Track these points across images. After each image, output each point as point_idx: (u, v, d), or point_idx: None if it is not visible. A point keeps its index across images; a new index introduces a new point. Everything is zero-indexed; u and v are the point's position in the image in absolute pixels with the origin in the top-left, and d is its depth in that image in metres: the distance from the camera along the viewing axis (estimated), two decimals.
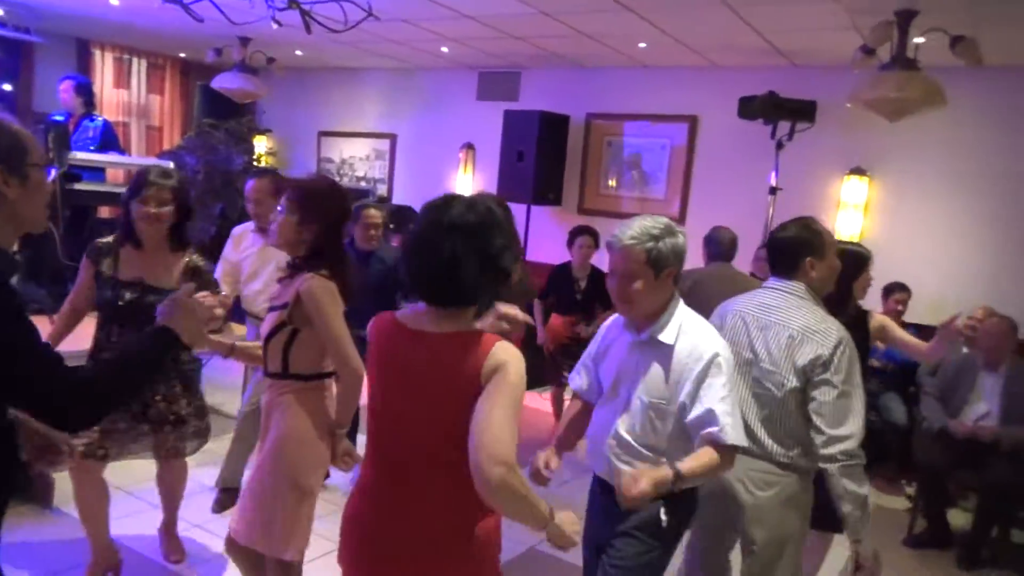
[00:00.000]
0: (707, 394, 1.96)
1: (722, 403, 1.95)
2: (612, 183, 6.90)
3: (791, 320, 2.30)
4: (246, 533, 2.37)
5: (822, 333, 2.24)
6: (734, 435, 1.95)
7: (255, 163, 8.15)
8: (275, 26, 4.78)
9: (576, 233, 5.08)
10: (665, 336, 2.03)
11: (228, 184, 7.46)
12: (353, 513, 1.78)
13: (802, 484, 2.34)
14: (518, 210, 6.83)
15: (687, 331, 2.04)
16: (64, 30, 7.38)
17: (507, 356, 1.59)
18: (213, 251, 3.88)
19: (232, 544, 2.46)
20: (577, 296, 5.03)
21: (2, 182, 1.45)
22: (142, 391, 1.53)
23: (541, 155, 6.52)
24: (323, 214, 2.32)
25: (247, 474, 2.96)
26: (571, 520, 1.66)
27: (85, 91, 5.81)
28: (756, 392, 2.33)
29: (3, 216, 1.47)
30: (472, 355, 1.58)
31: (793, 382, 2.24)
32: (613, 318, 2.29)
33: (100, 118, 5.89)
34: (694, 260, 3.97)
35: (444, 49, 6.68)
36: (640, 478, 1.86)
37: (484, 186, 7.41)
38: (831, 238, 2.44)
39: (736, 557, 2.49)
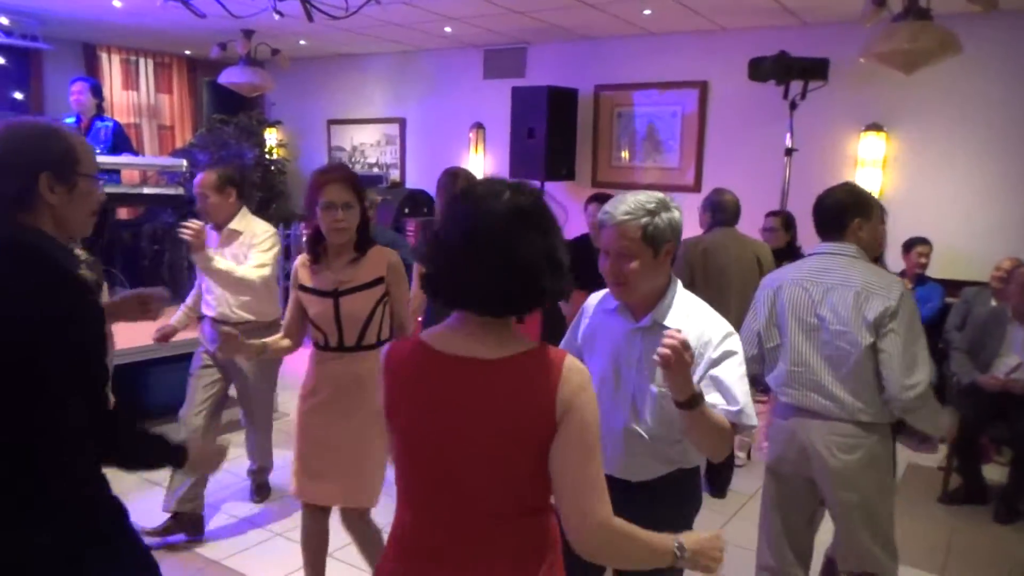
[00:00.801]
0: (725, 377, 1.84)
1: (741, 382, 1.85)
2: (624, 155, 6.84)
3: (851, 278, 2.35)
4: (354, 497, 2.59)
5: (885, 287, 2.32)
6: (754, 416, 1.88)
7: (267, 156, 8.19)
8: (277, 17, 4.76)
9: (588, 201, 5.05)
10: (671, 321, 1.88)
11: (241, 179, 7.48)
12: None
13: (884, 443, 2.38)
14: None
15: (692, 315, 1.90)
16: (70, 35, 7.41)
17: (581, 380, 1.34)
18: None
19: (330, 512, 2.68)
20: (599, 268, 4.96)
21: (48, 188, 1.48)
22: (135, 466, 1.72)
23: (552, 131, 6.48)
24: (360, 198, 2.52)
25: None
26: (706, 538, 1.46)
27: (98, 93, 5.84)
28: (828, 355, 2.36)
29: (51, 220, 1.51)
30: (542, 382, 1.32)
31: (867, 338, 2.29)
32: (592, 299, 2.10)
33: (110, 120, 5.92)
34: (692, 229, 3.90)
35: (447, 29, 6.63)
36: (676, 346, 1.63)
37: (496, 166, 7.38)
38: (876, 200, 2.54)
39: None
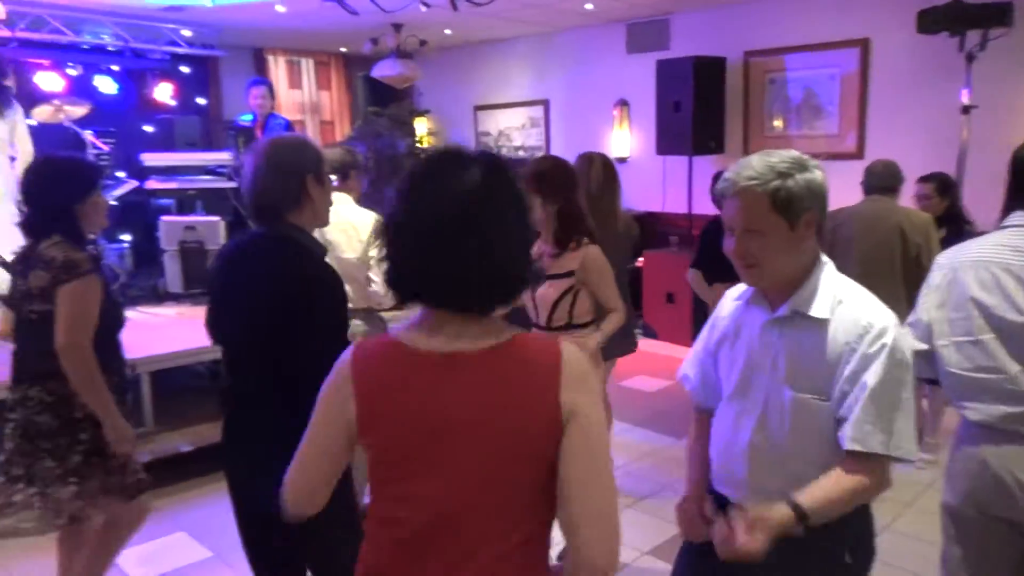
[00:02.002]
0: (879, 384, 1.44)
1: (898, 394, 1.45)
2: (778, 123, 6.50)
3: None
4: None
5: None
6: (913, 446, 1.47)
7: (417, 145, 8.52)
8: (423, 8, 4.93)
9: (716, 178, 4.81)
10: (816, 309, 1.52)
11: (395, 169, 7.85)
12: None
13: None
14: (679, 163, 6.65)
15: (845, 300, 1.53)
16: (241, 42, 8.03)
17: (582, 372, 1.17)
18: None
19: None
20: None
21: (313, 186, 1.91)
22: None
23: (699, 103, 6.28)
24: (557, 189, 2.70)
25: None
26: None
27: (273, 93, 6.33)
28: None
29: (310, 213, 1.94)
30: (540, 374, 1.15)
31: None
32: (729, 293, 1.77)
33: (282, 118, 6.39)
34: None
35: (588, 6, 6.57)
36: (755, 523, 1.38)
37: (642, 142, 7.27)
38: None
39: None
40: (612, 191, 3.60)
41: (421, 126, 8.84)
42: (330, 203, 2.02)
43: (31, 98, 6.32)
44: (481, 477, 1.15)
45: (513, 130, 8.60)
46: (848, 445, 1.46)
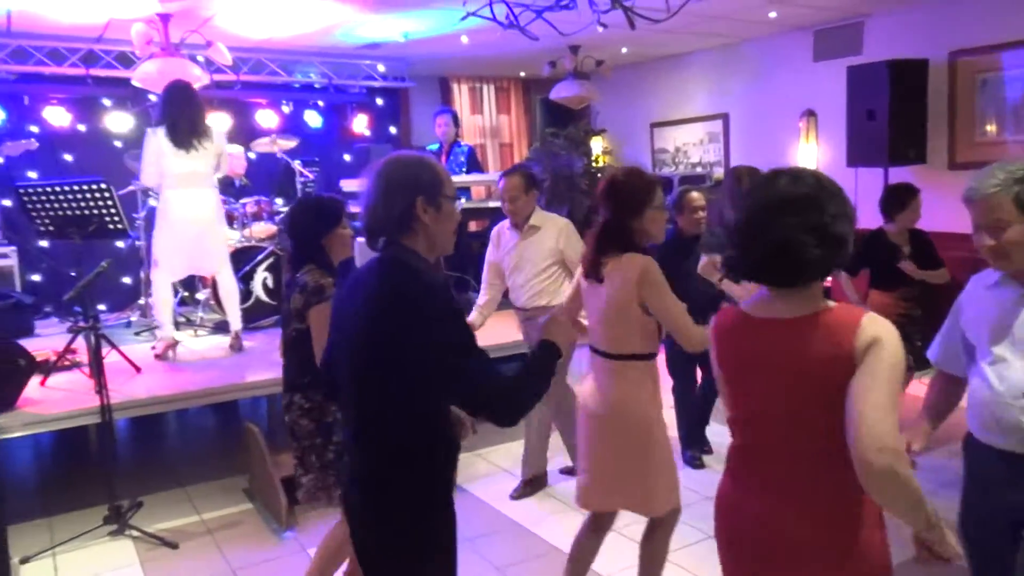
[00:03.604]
0: None
1: None
2: (991, 128, 5.87)
3: None
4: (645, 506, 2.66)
5: None
6: None
7: (593, 164, 8.60)
8: (600, 29, 4.99)
9: (889, 191, 4.48)
10: None
11: (571, 187, 7.98)
12: (724, 526, 1.74)
13: None
14: (873, 175, 6.19)
15: None
16: (429, 72, 8.54)
17: (880, 330, 1.48)
18: None
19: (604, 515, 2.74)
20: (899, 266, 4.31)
21: (422, 210, 1.76)
22: (533, 395, 1.81)
23: (895, 110, 5.82)
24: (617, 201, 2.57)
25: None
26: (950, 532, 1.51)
27: (457, 122, 6.70)
28: None
29: (423, 239, 1.79)
30: (839, 334, 1.49)
31: None
32: (981, 279, 2.06)
33: (465, 145, 6.72)
34: None
35: (772, 14, 6.33)
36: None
37: (831, 154, 6.86)
38: None
39: None
40: None
41: (597, 145, 8.91)
42: (453, 229, 1.86)
43: (252, 133, 7.12)
44: (795, 402, 1.54)
45: (690, 146, 8.43)
46: None
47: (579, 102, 7.43)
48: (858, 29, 6.62)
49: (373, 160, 6.83)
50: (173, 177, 4.67)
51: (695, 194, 4.13)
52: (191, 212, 4.72)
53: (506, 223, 3.94)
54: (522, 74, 9.20)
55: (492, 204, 6.85)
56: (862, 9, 6.30)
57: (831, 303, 1.58)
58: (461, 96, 9.05)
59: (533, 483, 4.04)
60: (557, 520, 3.71)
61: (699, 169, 8.23)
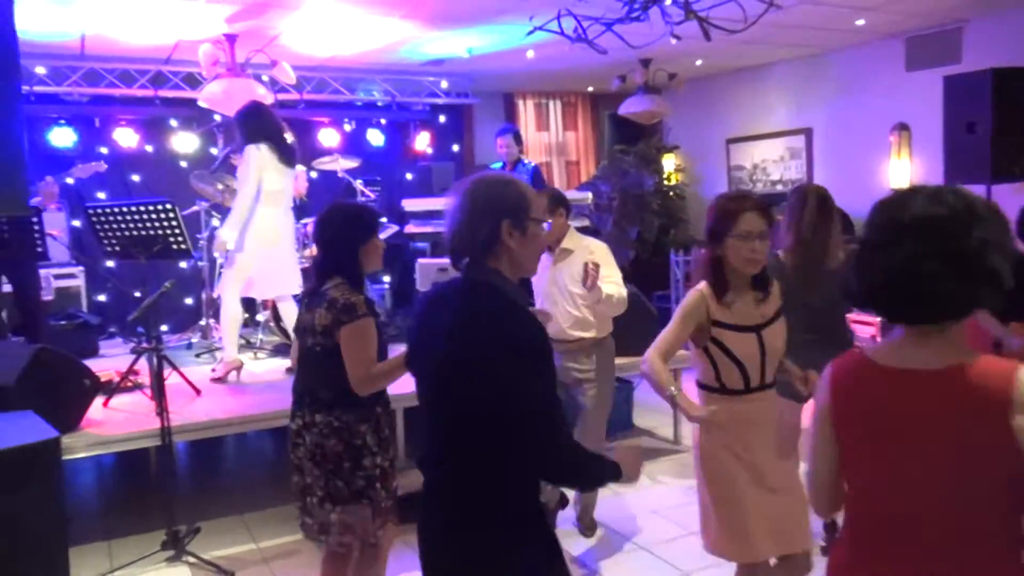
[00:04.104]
0: None
1: None
2: None
3: None
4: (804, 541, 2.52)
5: None
6: None
7: (664, 182, 8.26)
8: (673, 41, 4.72)
9: None
10: None
11: (642, 207, 7.65)
12: None
13: None
14: (973, 191, 5.68)
15: None
16: (493, 88, 8.38)
17: None
18: (634, 278, 3.89)
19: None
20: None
21: (507, 233, 1.69)
22: (576, 484, 1.92)
23: (999, 122, 5.33)
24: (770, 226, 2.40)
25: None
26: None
27: (519, 140, 6.48)
28: None
29: (507, 262, 1.73)
30: (990, 390, 1.28)
31: None
32: None
33: (531, 163, 6.50)
34: None
35: (859, 22, 5.94)
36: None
37: (925, 171, 6.37)
38: None
39: None
40: (826, 229, 3.22)
41: (669, 162, 8.57)
42: (538, 252, 1.81)
43: (314, 152, 7.08)
44: (943, 470, 1.33)
45: (770, 163, 8.00)
46: None
47: (650, 117, 7.12)
48: (956, 36, 6.15)
49: (435, 178, 6.63)
50: (267, 194, 4.60)
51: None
52: (279, 231, 4.68)
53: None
54: (590, 89, 8.95)
55: None
56: (960, 14, 5.85)
57: (969, 351, 1.36)
58: (526, 112, 8.85)
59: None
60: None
61: (779, 187, 7.80)
